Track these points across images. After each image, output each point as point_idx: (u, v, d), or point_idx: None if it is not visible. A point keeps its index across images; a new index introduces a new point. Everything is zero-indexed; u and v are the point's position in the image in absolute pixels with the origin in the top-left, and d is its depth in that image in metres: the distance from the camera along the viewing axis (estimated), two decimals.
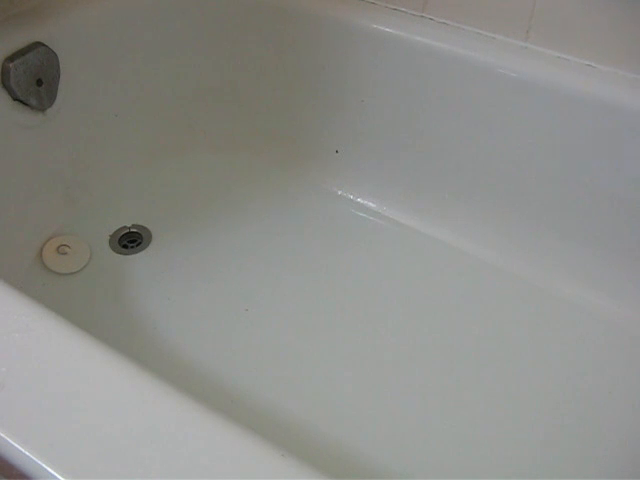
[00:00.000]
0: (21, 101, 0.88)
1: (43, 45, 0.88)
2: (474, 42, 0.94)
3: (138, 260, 0.99)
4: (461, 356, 0.90)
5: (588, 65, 0.89)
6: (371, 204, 1.10)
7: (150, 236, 1.03)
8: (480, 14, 0.93)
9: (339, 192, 1.12)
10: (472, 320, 0.95)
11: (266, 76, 1.11)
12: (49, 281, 0.93)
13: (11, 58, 0.85)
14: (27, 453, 0.45)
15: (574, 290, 0.97)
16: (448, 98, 0.97)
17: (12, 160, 0.90)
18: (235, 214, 1.08)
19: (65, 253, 0.96)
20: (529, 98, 0.91)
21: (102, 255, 0.99)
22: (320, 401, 0.84)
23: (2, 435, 0.46)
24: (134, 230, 1.03)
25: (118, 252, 1.00)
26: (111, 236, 1.02)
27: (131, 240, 1.02)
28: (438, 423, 0.83)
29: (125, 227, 1.03)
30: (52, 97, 0.92)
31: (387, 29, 0.97)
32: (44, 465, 0.45)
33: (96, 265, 0.97)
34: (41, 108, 0.91)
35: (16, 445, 0.46)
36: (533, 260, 0.99)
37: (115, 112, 1.04)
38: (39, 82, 0.89)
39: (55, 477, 0.44)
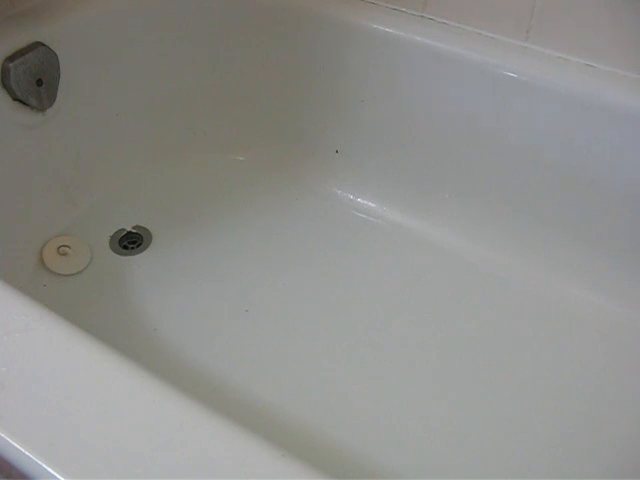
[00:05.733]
0: (21, 101, 0.88)
1: (43, 45, 0.88)
2: (474, 42, 0.94)
3: (138, 261, 0.99)
4: (462, 356, 0.90)
5: (588, 65, 0.89)
6: (371, 204, 1.10)
7: (150, 237, 1.03)
8: (480, 14, 0.93)
9: (339, 192, 1.12)
10: (473, 320, 0.94)
11: (266, 76, 1.11)
12: (50, 282, 0.93)
13: (11, 58, 0.85)
14: (27, 453, 0.45)
15: (575, 290, 0.97)
16: (448, 98, 0.97)
17: (12, 160, 0.90)
18: (235, 214, 1.08)
19: (65, 254, 0.96)
20: (529, 98, 0.91)
21: (103, 256, 0.99)
22: (320, 401, 0.84)
23: (2, 435, 0.46)
24: (134, 231, 1.03)
25: (118, 253, 1.00)
26: (111, 237, 1.02)
27: (131, 241, 1.02)
28: (439, 424, 0.83)
29: (125, 228, 1.03)
30: (52, 97, 0.92)
31: (387, 29, 0.97)
32: (44, 465, 0.45)
33: (97, 266, 0.97)
34: (41, 108, 0.91)
35: (16, 445, 0.46)
36: (534, 260, 0.99)
37: (115, 112, 1.04)
38: (39, 82, 0.89)
39: (55, 477, 0.44)
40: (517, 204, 0.99)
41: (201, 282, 0.97)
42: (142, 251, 1.00)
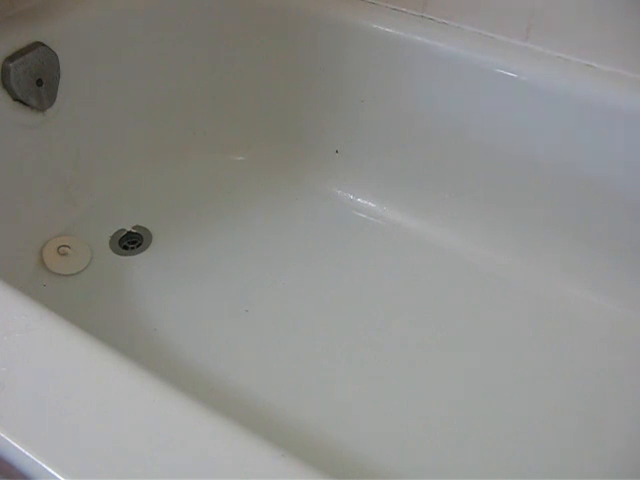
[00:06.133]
0: (21, 101, 0.88)
1: (43, 45, 0.88)
2: (474, 42, 0.94)
3: (138, 261, 0.99)
4: (462, 356, 0.90)
5: (588, 65, 0.89)
6: (371, 204, 1.10)
7: (150, 237, 1.03)
8: (480, 14, 0.93)
9: (339, 192, 1.12)
10: (473, 320, 0.94)
11: (266, 76, 1.11)
12: (50, 282, 0.93)
13: (11, 58, 0.85)
14: (27, 453, 0.45)
15: (575, 290, 0.97)
16: (448, 98, 0.97)
17: (12, 160, 0.90)
18: (235, 215, 1.08)
19: (65, 254, 0.96)
20: (529, 98, 0.91)
21: (103, 256, 0.99)
22: (320, 401, 0.84)
23: (2, 435, 0.46)
24: (134, 231, 1.03)
25: (118, 253, 1.00)
26: (111, 237, 1.02)
27: (131, 241, 1.02)
28: (439, 424, 0.83)
29: (125, 228, 1.03)
30: (52, 97, 0.92)
31: (387, 29, 0.97)
32: (44, 465, 0.45)
33: (97, 266, 0.97)
34: (41, 108, 0.91)
35: (16, 445, 0.46)
36: (534, 260, 0.99)
37: (115, 112, 1.04)
38: (39, 82, 0.89)
39: (55, 477, 0.44)
40: (517, 204, 0.99)
41: (201, 282, 0.97)
42: (142, 251, 1.00)
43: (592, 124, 0.88)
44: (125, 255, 1.00)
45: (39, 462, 0.45)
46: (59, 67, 0.91)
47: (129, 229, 1.03)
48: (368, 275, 1.00)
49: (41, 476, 0.45)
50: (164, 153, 1.13)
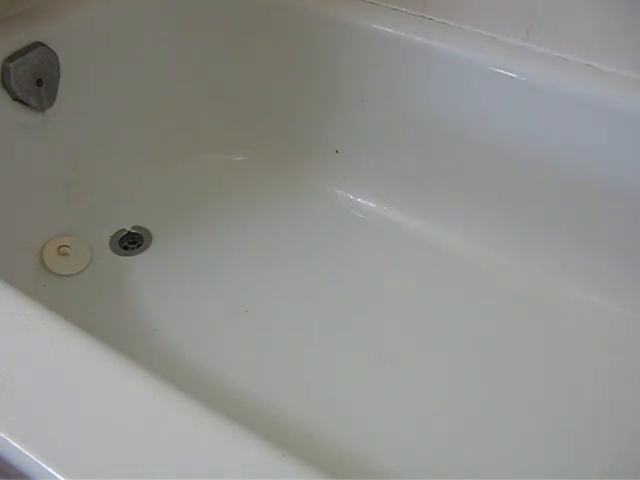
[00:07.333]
0: (21, 101, 0.88)
1: (43, 45, 0.88)
2: (474, 42, 0.94)
3: (138, 261, 0.99)
4: (461, 357, 0.90)
5: (588, 65, 0.89)
6: (371, 204, 1.10)
7: (150, 237, 1.03)
8: (480, 14, 0.93)
9: (339, 192, 1.12)
10: (473, 321, 0.94)
11: (266, 76, 1.11)
12: (50, 282, 0.93)
13: (11, 58, 0.85)
14: (27, 453, 0.45)
15: (575, 290, 0.97)
16: (448, 98, 0.97)
17: (12, 160, 0.90)
18: (235, 215, 1.08)
19: (66, 254, 0.96)
20: (529, 98, 0.91)
21: (103, 256, 0.99)
22: (320, 401, 0.84)
23: (2, 435, 0.46)
24: (134, 231, 1.03)
25: (119, 253, 1.00)
26: (111, 237, 1.02)
27: (132, 241, 1.02)
28: (438, 424, 0.83)
29: (125, 229, 1.03)
30: (52, 97, 0.92)
31: (387, 29, 0.97)
32: (44, 465, 0.45)
33: (97, 266, 0.97)
34: (41, 108, 0.91)
35: (16, 445, 0.46)
36: (534, 260, 0.99)
37: (115, 112, 1.04)
38: (39, 82, 0.89)
39: (55, 477, 0.44)
40: (517, 204, 0.99)
41: (201, 282, 0.97)
42: (142, 251, 1.00)
43: (592, 124, 0.88)
44: (125, 255, 1.00)
45: (39, 462, 0.45)
46: (59, 67, 0.91)
47: (129, 229, 1.03)
48: (368, 275, 1.00)
49: (41, 476, 0.45)
50: (164, 153, 1.13)
